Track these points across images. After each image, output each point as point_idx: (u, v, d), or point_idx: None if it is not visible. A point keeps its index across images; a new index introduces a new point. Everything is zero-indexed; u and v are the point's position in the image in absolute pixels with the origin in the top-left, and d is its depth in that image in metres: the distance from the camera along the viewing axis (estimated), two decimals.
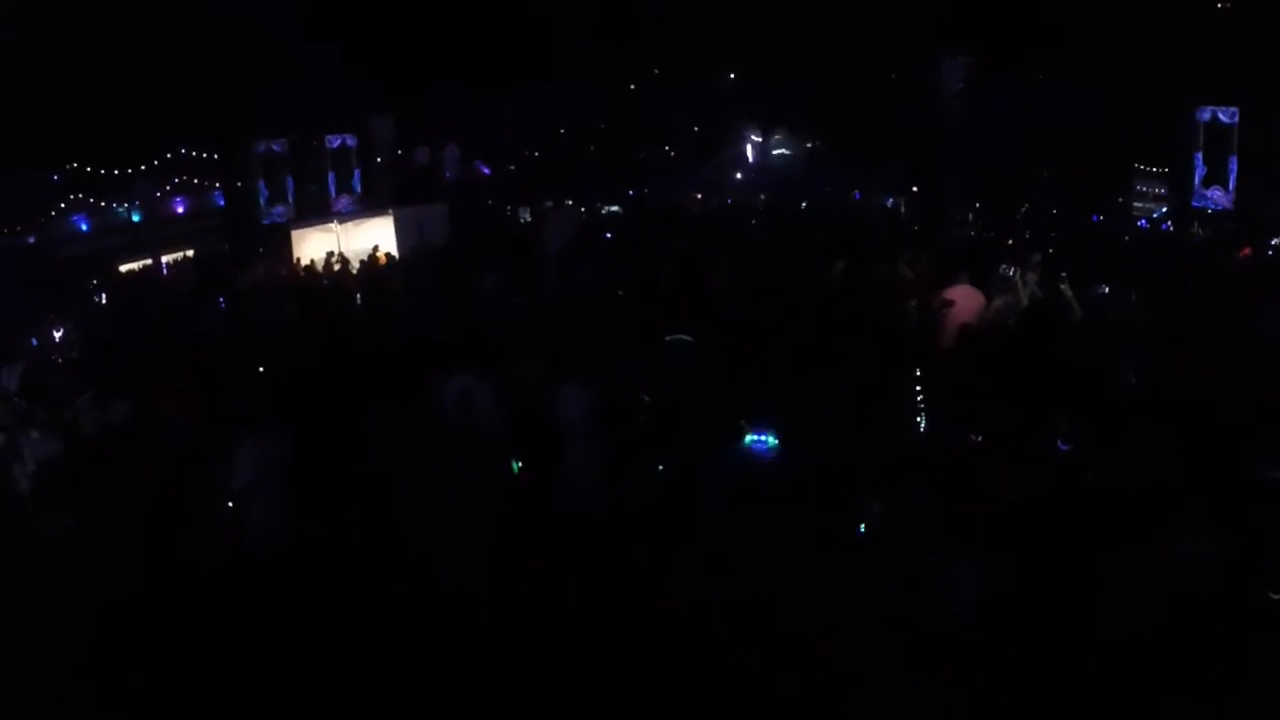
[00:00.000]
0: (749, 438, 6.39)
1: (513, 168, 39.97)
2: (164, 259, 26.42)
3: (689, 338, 8.36)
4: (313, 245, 22.89)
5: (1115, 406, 6.85)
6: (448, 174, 35.74)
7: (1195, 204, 29.44)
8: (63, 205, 29.39)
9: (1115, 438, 6.29)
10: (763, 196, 34.87)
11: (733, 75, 41.52)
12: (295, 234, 23.49)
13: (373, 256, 21.33)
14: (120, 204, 30.34)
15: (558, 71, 35.17)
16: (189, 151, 32.69)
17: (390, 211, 23.78)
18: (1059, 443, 6.28)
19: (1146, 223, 29.20)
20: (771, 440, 6.33)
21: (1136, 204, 32.47)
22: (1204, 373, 7.65)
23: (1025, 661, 4.91)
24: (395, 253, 22.02)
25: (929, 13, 33.10)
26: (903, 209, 29.51)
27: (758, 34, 37.58)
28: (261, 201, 30.68)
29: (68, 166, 29.58)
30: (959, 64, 32.85)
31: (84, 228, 29.40)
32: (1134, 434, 6.30)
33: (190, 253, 27.57)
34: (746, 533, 5.67)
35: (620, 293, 12.63)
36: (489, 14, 33.51)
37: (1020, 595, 5.25)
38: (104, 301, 20.66)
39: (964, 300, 10.49)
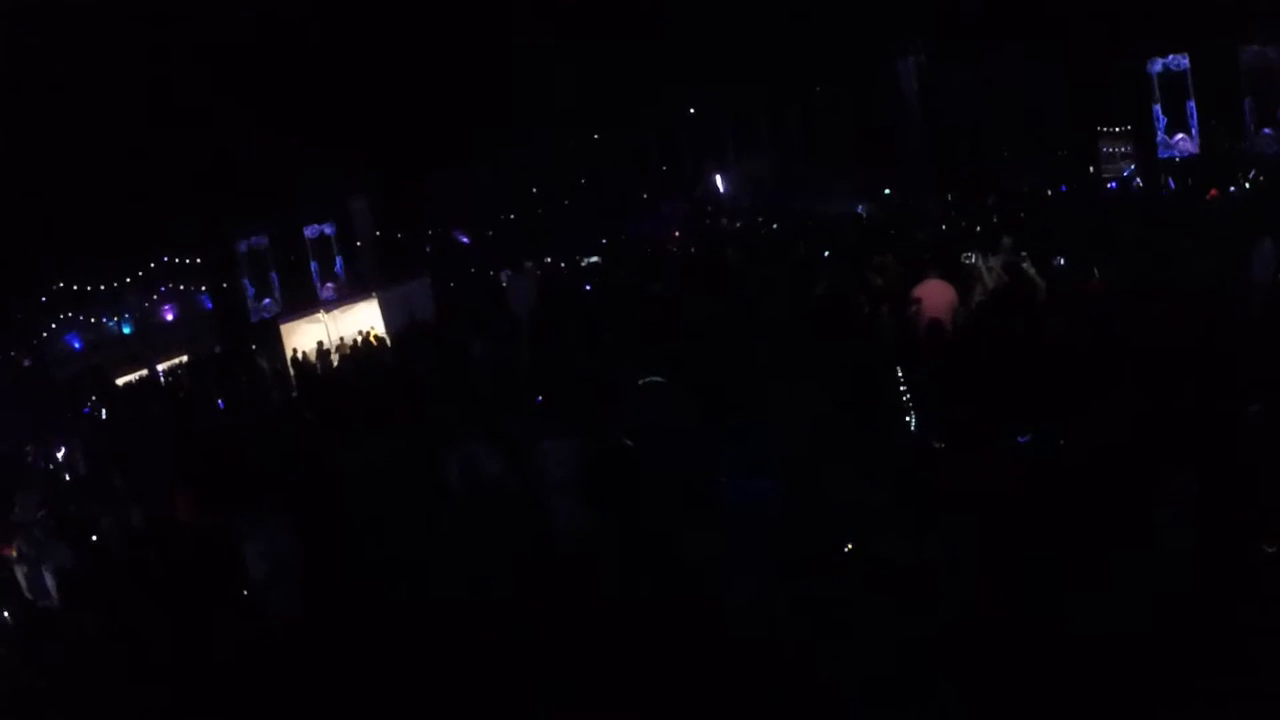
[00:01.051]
0: (747, 481, 6.48)
1: (491, 233, 40.32)
2: (159, 366, 26.69)
3: (661, 379, 8.50)
4: (303, 337, 23.05)
5: (1082, 376, 6.95)
6: (428, 249, 36.07)
7: (1162, 154, 29.98)
8: (54, 325, 29.73)
9: (1084, 407, 6.39)
10: (739, 224, 35.18)
11: (692, 110, 41.90)
12: (285, 328, 23.65)
13: (365, 339, 21.59)
14: (111, 317, 30.66)
15: (521, 130, 35.52)
16: (172, 258, 33.08)
17: (374, 295, 23.94)
18: (1018, 436, 6.40)
19: (1116, 184, 29.52)
20: (771, 481, 6.42)
21: (1106, 167, 32.82)
22: (1177, 323, 7.74)
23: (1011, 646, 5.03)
24: (384, 334, 22.21)
25: (880, 14, 33.46)
26: (865, 215, 29.79)
27: (713, 64, 37.95)
28: (249, 298, 31.02)
29: (54, 286, 29.92)
30: (911, 62, 33.40)
31: (77, 345, 29.69)
32: (1103, 400, 6.39)
33: (185, 358, 27.82)
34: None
35: (605, 340, 12.75)
36: (445, 87, 33.81)
37: (997, 574, 5.35)
38: (105, 415, 20.89)
39: (934, 295, 10.62)
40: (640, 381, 8.44)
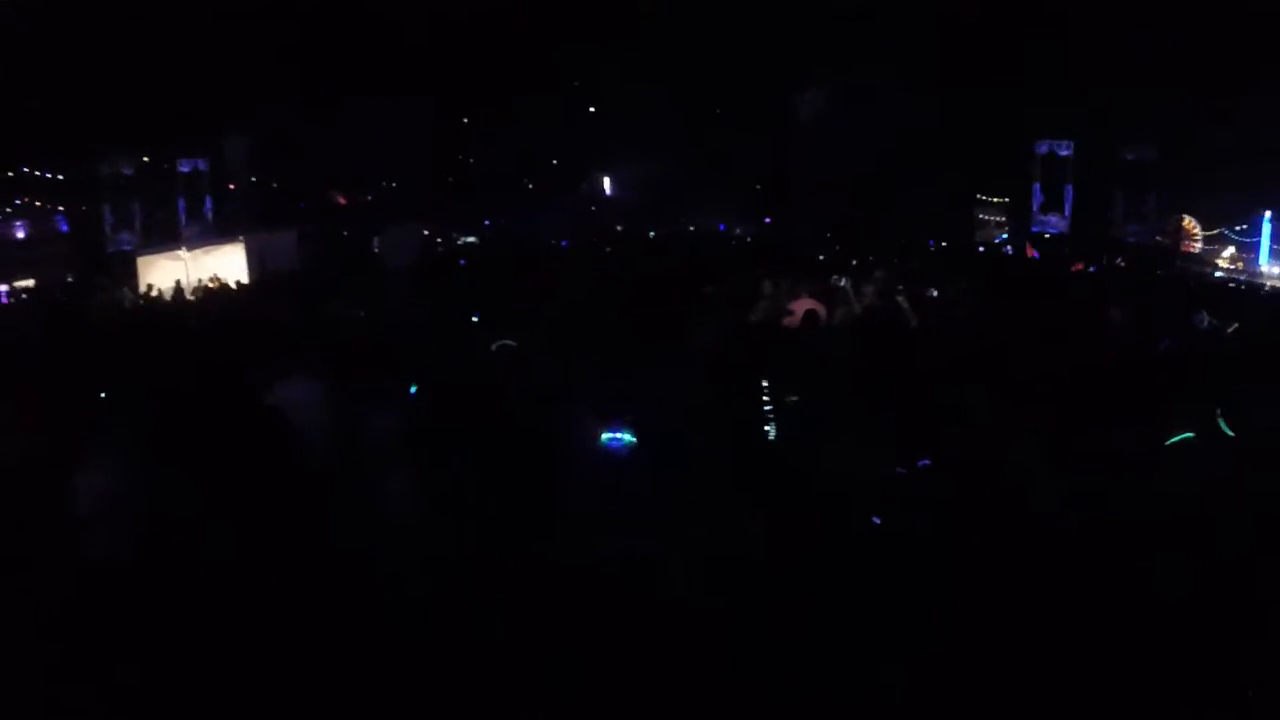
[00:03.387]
0: (605, 436, 6.54)
1: (370, 198, 39.60)
2: (2, 287, 25.38)
3: (513, 342, 8.50)
4: (160, 273, 22.24)
5: (950, 397, 7.22)
6: (301, 203, 35.18)
7: (1034, 229, 31.86)
8: None
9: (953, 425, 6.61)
10: (619, 228, 35.35)
11: (591, 110, 41.90)
12: (141, 261, 22.84)
13: (219, 283, 20.91)
14: None
15: (417, 101, 34.91)
16: (31, 171, 31.48)
17: (241, 239, 23.24)
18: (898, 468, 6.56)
19: (984, 248, 31.31)
20: (628, 437, 6.50)
21: (978, 232, 34.64)
22: (1040, 353, 8.17)
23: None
24: (245, 280, 21.56)
25: (780, 42, 34.06)
26: (746, 236, 30.57)
27: (617, 66, 38.02)
28: (106, 228, 29.71)
29: None
30: (810, 94, 34.17)
31: None
32: (972, 419, 6.62)
33: (31, 282, 26.46)
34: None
35: (470, 316, 12.66)
36: (353, 39, 33.09)
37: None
38: None
39: (804, 312, 10.98)
40: (494, 345, 8.43)
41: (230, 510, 7.25)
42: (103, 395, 11.12)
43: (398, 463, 7.35)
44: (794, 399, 7.93)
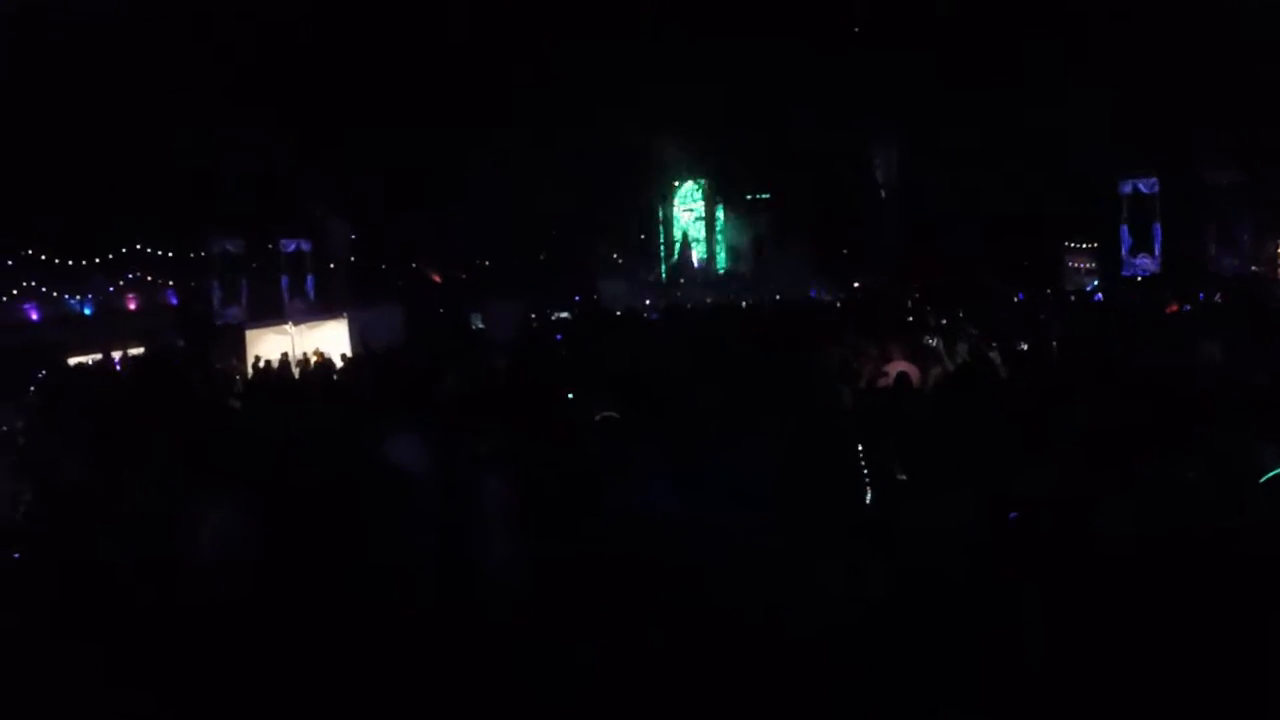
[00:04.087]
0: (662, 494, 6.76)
1: (464, 276, 40.55)
2: (114, 354, 26.34)
3: (617, 414, 8.70)
4: (267, 345, 22.96)
5: (1036, 443, 7.29)
6: (401, 282, 36.18)
7: (1125, 272, 30.99)
8: (14, 291, 29.36)
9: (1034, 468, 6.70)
10: (709, 300, 35.71)
11: (676, 182, 42.69)
12: (250, 334, 23.59)
13: (322, 357, 21.50)
14: (73, 295, 30.36)
15: (504, 184, 35.95)
16: (144, 248, 32.91)
17: (345, 315, 23.93)
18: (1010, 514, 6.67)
19: (1075, 297, 30.67)
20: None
21: (1070, 280, 33.98)
22: (1127, 399, 8.19)
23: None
24: (348, 354, 22.14)
25: (863, 113, 34.43)
26: (835, 301, 30.65)
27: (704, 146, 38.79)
28: (215, 301, 30.87)
29: (22, 253, 29.62)
30: (894, 156, 34.38)
31: (35, 316, 29.32)
32: (1054, 458, 6.71)
33: (140, 350, 27.41)
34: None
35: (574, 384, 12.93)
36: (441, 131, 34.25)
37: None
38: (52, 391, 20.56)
39: (897, 374, 11.11)
40: (598, 416, 8.62)
41: (337, 560, 7.58)
42: (217, 451, 11.60)
43: (503, 528, 7.63)
44: (890, 461, 8.06)
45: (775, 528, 6.69)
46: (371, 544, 7.32)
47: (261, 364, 21.43)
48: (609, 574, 6.53)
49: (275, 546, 7.87)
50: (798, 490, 7.11)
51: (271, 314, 28.57)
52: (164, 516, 9.03)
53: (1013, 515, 6.56)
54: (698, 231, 42.72)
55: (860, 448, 8.35)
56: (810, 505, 6.94)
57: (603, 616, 6.13)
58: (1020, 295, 29.79)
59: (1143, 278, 30.95)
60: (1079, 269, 35.54)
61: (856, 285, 35.60)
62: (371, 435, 9.33)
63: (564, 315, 32.16)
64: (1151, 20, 29.15)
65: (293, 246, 33.18)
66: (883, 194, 35.49)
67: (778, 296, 34.66)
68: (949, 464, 7.00)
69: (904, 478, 7.43)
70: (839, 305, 28.19)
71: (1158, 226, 31.71)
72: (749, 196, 42.27)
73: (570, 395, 11.88)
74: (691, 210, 42.85)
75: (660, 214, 43.03)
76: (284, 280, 32.88)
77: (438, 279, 39.83)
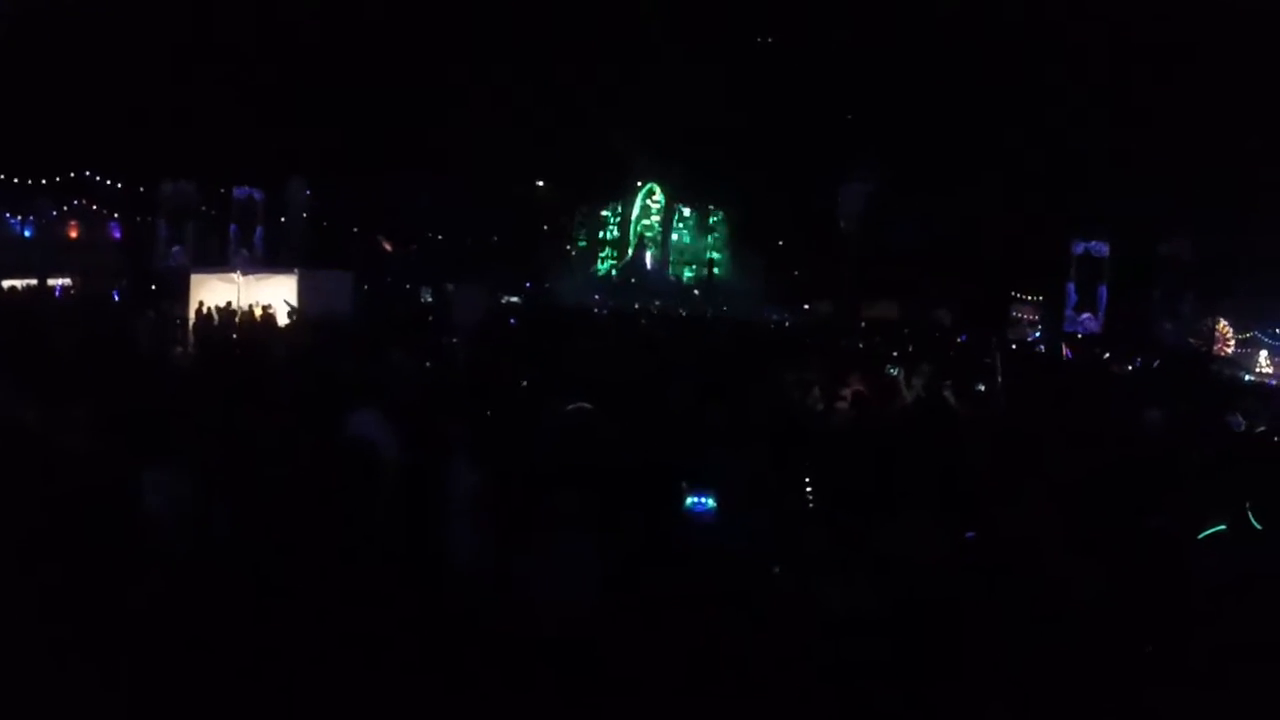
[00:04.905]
0: (690, 500, 6.82)
1: (415, 248, 40.18)
2: (50, 282, 25.67)
3: (589, 405, 8.68)
4: (211, 293, 22.45)
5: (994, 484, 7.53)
6: (351, 246, 35.74)
7: (1067, 328, 32.01)
8: None
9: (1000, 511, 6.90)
10: (657, 303, 35.77)
11: (640, 184, 42.71)
12: (195, 278, 23.06)
13: (267, 313, 21.11)
14: (14, 216, 29.50)
15: (472, 163, 35.67)
16: (93, 175, 32.08)
17: (295, 271, 23.48)
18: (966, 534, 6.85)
19: (1016, 345, 31.42)
20: (710, 502, 6.78)
21: (1011, 330, 34.89)
22: (1079, 450, 8.49)
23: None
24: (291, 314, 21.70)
25: (832, 143, 34.82)
26: (785, 322, 30.99)
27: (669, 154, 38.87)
28: (159, 241, 30.22)
29: None
30: (857, 189, 34.73)
31: None
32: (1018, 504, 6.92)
33: (68, 281, 26.64)
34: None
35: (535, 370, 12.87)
36: (420, 100, 33.94)
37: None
38: None
39: (854, 396, 11.27)
40: (569, 406, 8.59)
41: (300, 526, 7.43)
42: (167, 408, 11.32)
43: (464, 513, 7.53)
44: (841, 480, 8.18)
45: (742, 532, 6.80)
46: (326, 521, 7.19)
47: (205, 310, 21.03)
48: (579, 563, 6.52)
49: (227, 514, 7.71)
50: (762, 500, 7.22)
51: (216, 261, 28.00)
52: (112, 458, 8.80)
53: (969, 535, 6.75)
54: (654, 235, 42.71)
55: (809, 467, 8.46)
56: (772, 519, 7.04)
57: (575, 608, 6.11)
58: (964, 336, 30.36)
59: (1083, 334, 31.81)
60: (1021, 319, 36.48)
61: (806, 308, 35.93)
62: (325, 407, 9.19)
63: (514, 300, 32.02)
64: (1126, 93, 29.99)
65: (245, 194, 32.50)
66: (841, 223, 35.71)
67: (724, 308, 34.88)
68: (913, 487, 7.17)
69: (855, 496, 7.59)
70: (787, 326, 28.43)
71: (1104, 288, 32.71)
72: (709, 209, 42.38)
73: (525, 384, 11.86)
74: (650, 214, 42.83)
75: (619, 212, 42.92)
76: (233, 228, 32.23)
77: (388, 248, 39.43)
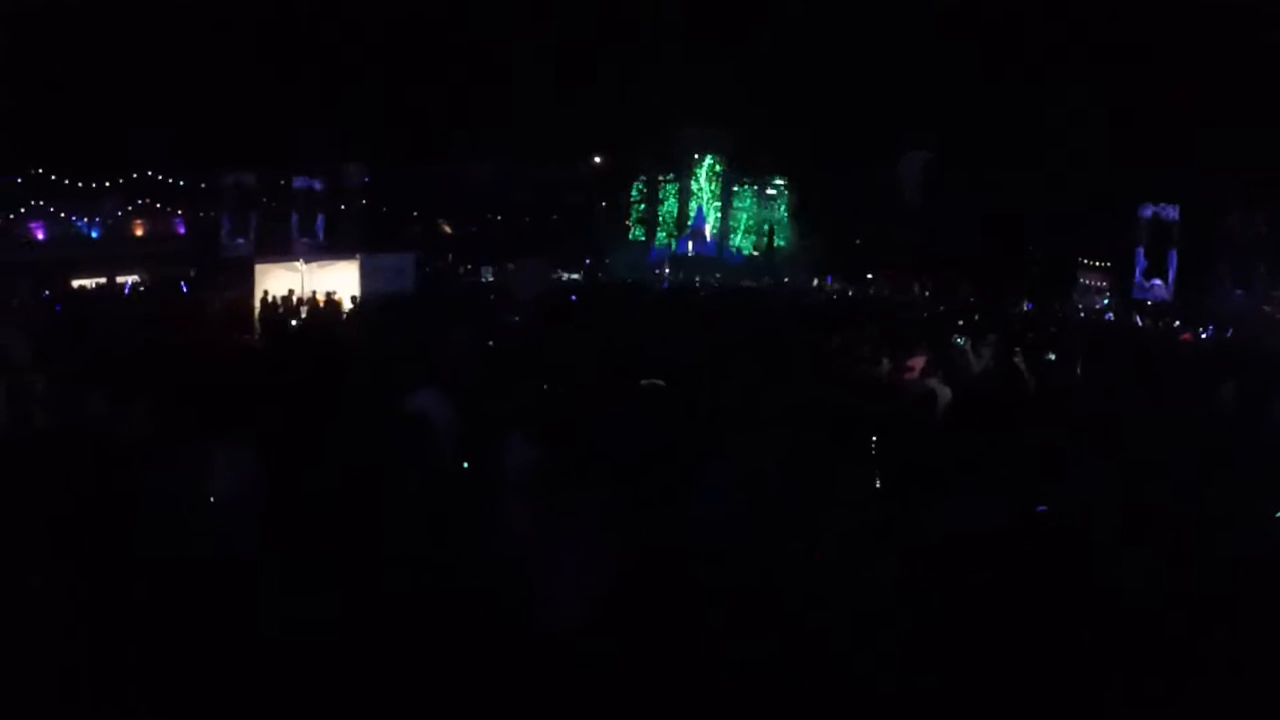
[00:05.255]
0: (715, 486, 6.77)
1: (475, 229, 40.35)
2: (119, 279, 26.15)
3: (662, 383, 8.66)
4: (275, 281, 22.70)
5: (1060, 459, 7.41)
6: (408, 229, 35.99)
7: (1136, 295, 31.07)
8: (23, 210, 29.05)
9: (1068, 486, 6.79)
10: (718, 275, 35.66)
11: (698, 157, 42.50)
12: (259, 268, 23.34)
13: (332, 299, 21.37)
14: (81, 217, 30.08)
15: (528, 141, 35.71)
16: (155, 174, 32.61)
17: (357, 256, 23.71)
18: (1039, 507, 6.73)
19: (1085, 314, 30.77)
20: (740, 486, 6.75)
21: (1080, 297, 34.07)
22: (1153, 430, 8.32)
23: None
24: (359, 297, 21.94)
25: (892, 112, 34.31)
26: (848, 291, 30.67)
27: (726, 125, 38.63)
28: (223, 232, 30.64)
29: (32, 170, 29.29)
30: (917, 158, 34.20)
31: (41, 235, 29.06)
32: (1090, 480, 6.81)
33: (137, 277, 27.13)
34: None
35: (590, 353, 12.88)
36: (472, 80, 33.97)
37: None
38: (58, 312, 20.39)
39: (921, 368, 11.10)
40: (643, 382, 8.57)
41: (358, 509, 7.47)
42: (237, 391, 11.46)
43: (519, 491, 7.53)
44: (906, 451, 8.05)
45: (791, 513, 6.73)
46: (387, 502, 7.23)
47: (270, 299, 21.28)
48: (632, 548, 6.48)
49: (286, 497, 7.77)
50: (815, 478, 7.14)
51: (279, 250, 28.34)
52: (172, 450, 8.90)
53: (1041, 509, 6.64)
54: (713, 209, 42.50)
55: (875, 437, 8.36)
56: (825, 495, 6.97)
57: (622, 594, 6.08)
58: (1029, 305, 29.83)
59: (1153, 302, 30.87)
60: (1090, 285, 35.47)
61: (869, 277, 35.58)
62: (390, 388, 9.25)
63: (574, 276, 32.06)
64: (1197, 59, 29.12)
65: (305, 184, 32.85)
66: (903, 193, 35.29)
67: (785, 280, 34.65)
68: (982, 462, 7.06)
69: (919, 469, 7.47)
70: (850, 296, 28.17)
71: (1174, 253, 31.65)
72: (768, 179, 42.03)
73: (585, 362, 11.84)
74: (709, 185, 42.59)
75: (678, 185, 42.74)
76: (294, 218, 32.61)
77: (449, 230, 39.63)
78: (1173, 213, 31.76)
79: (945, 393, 10.65)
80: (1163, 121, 29.80)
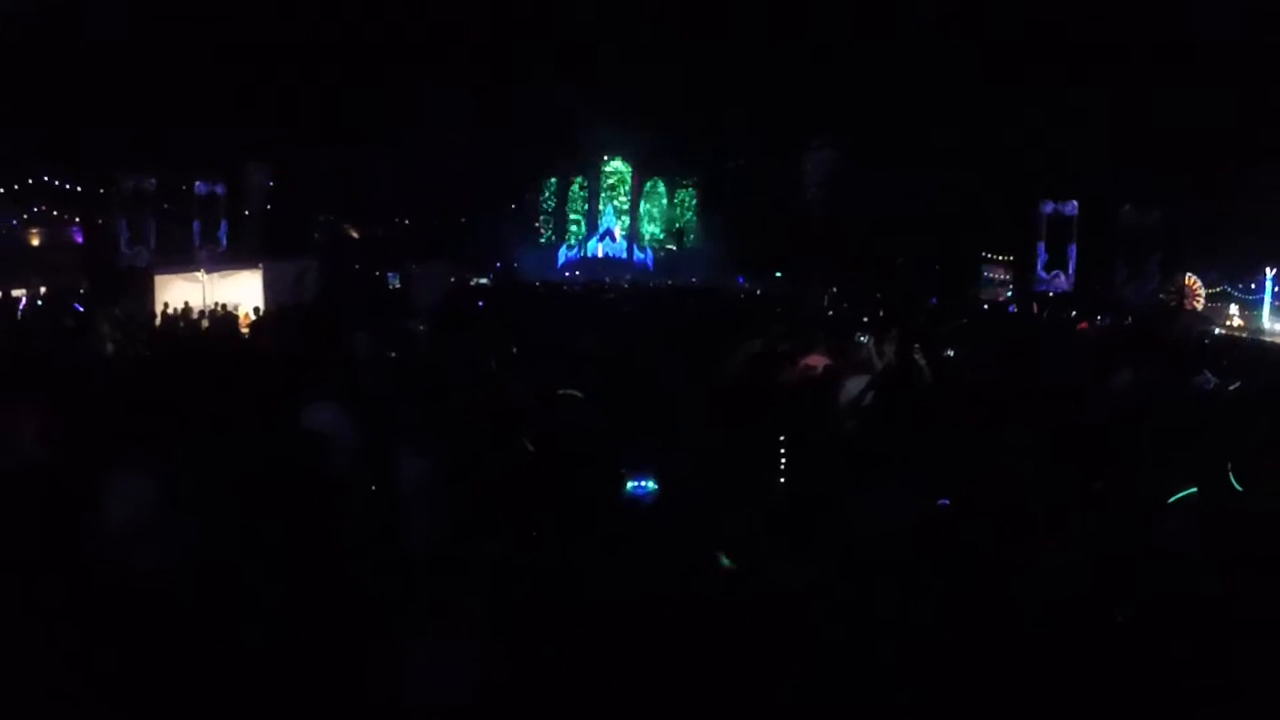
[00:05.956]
0: (630, 484, 6.68)
1: (381, 233, 39.91)
2: (14, 292, 25.30)
3: (578, 393, 8.62)
4: (175, 292, 22.17)
5: (968, 451, 7.48)
6: (317, 234, 35.43)
7: (1038, 288, 32.36)
8: None
9: (972, 476, 6.84)
10: (628, 276, 35.74)
11: (606, 157, 42.53)
12: (159, 279, 22.83)
13: (225, 310, 20.88)
14: None
15: (437, 143, 35.43)
16: (50, 180, 31.67)
17: (260, 266, 23.28)
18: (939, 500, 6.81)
19: (988, 305, 31.76)
20: (651, 485, 6.64)
21: (984, 290, 35.24)
22: (1049, 414, 8.45)
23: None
24: (262, 307, 21.49)
25: (797, 109, 34.74)
26: (757, 291, 31.04)
27: (635, 125, 38.71)
28: (121, 241, 29.86)
29: None
30: (824, 157, 34.72)
31: None
32: (990, 470, 6.85)
33: (26, 291, 26.20)
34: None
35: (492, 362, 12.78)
36: (380, 79, 33.62)
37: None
38: None
39: (824, 367, 11.21)
40: (559, 392, 8.52)
41: (261, 527, 7.33)
42: (131, 410, 11.17)
43: (429, 501, 7.44)
44: (812, 448, 8.12)
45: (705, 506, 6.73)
46: (296, 519, 7.10)
47: (169, 311, 20.80)
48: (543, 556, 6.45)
49: (183, 524, 7.60)
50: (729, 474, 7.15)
51: (181, 258, 27.72)
52: (64, 472, 8.64)
53: (943, 501, 6.71)
54: (621, 208, 42.59)
55: (782, 436, 8.42)
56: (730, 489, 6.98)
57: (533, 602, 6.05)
58: (934, 300, 30.46)
59: (1055, 294, 32.06)
60: (993, 279, 36.74)
61: (778, 276, 35.96)
62: (291, 403, 9.08)
63: (483, 281, 31.88)
64: (1094, 57, 30.04)
65: (206, 189, 32.16)
66: (809, 191, 35.77)
67: (694, 279, 34.88)
68: (886, 457, 7.11)
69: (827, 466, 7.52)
70: (758, 295, 28.43)
71: (1073, 248, 32.97)
72: (676, 179, 42.29)
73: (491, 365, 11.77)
74: (616, 188, 42.68)
75: (586, 186, 42.77)
76: (195, 224, 31.90)
77: (354, 234, 39.13)
78: (1072, 208, 32.89)
79: (849, 390, 10.79)
80: (1063, 121, 30.69)
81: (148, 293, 22.10)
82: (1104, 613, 5.70)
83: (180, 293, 22.01)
